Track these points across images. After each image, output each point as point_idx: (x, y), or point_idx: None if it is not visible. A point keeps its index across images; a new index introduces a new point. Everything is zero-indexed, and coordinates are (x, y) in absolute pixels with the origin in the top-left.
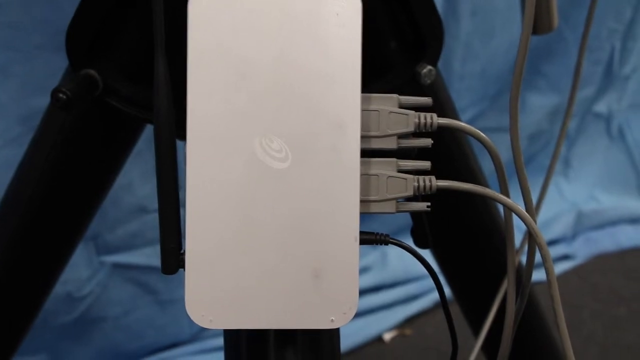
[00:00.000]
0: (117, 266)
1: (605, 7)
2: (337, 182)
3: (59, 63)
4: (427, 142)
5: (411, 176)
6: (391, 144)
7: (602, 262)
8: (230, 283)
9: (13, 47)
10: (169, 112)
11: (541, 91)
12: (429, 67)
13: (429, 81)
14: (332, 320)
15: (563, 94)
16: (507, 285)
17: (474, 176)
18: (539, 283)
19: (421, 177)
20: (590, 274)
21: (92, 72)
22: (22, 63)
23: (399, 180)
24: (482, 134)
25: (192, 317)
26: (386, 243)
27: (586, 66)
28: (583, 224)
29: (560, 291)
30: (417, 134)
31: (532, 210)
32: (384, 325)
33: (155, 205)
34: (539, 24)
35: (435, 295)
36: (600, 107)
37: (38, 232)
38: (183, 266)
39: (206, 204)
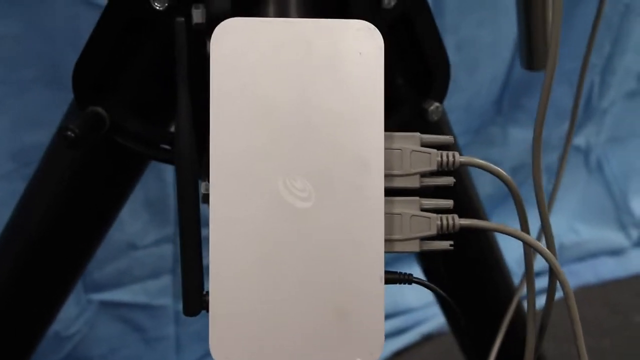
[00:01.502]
0: (105, 304)
1: (584, 42)
2: (362, 222)
3: (52, 97)
4: (450, 180)
5: (435, 215)
6: (414, 182)
7: (584, 295)
8: (254, 326)
9: (4, 81)
10: (192, 150)
11: (522, 124)
12: (436, 103)
13: (436, 118)
14: None
15: (544, 128)
16: (528, 326)
17: (475, 208)
18: None
19: (444, 216)
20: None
21: (99, 109)
22: (14, 97)
23: (423, 219)
24: (503, 172)
25: None
26: (410, 282)
27: (566, 100)
28: (564, 256)
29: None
30: (439, 172)
31: (553, 247)
32: None
33: (144, 241)
34: (537, 59)
35: (421, 329)
36: (579, 140)
37: (40, 268)
38: (205, 307)
39: (230, 244)
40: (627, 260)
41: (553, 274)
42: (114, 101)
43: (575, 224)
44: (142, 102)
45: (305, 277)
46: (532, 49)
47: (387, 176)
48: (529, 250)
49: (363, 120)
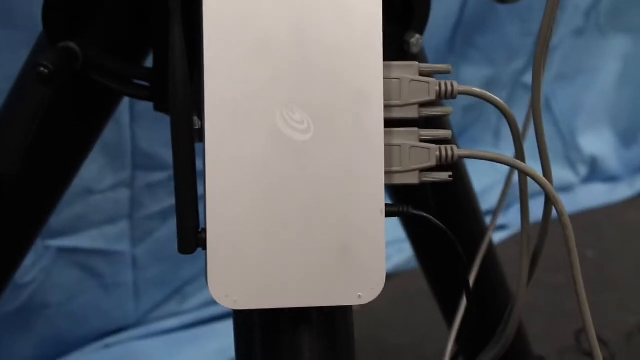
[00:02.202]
0: (62, 250)
1: None
2: (361, 154)
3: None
4: (448, 110)
5: (434, 146)
6: (413, 113)
7: (536, 231)
8: (254, 262)
9: None
10: (185, 85)
11: (475, 63)
12: (417, 35)
13: (416, 50)
14: (359, 296)
15: (496, 66)
16: (522, 256)
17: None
18: None
19: (443, 147)
20: None
21: (72, 44)
22: None
23: (422, 150)
24: (500, 100)
25: (215, 298)
26: (409, 215)
27: (517, 38)
28: (515, 194)
29: (500, 260)
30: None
31: (550, 176)
32: None
33: (101, 186)
34: None
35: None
36: (529, 78)
37: (9, 210)
38: (201, 245)
39: (227, 180)
40: (576, 196)
41: (549, 202)
42: (86, 36)
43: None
44: (115, 37)
45: (305, 211)
46: None
47: (386, 106)
48: (525, 179)
49: (361, 51)
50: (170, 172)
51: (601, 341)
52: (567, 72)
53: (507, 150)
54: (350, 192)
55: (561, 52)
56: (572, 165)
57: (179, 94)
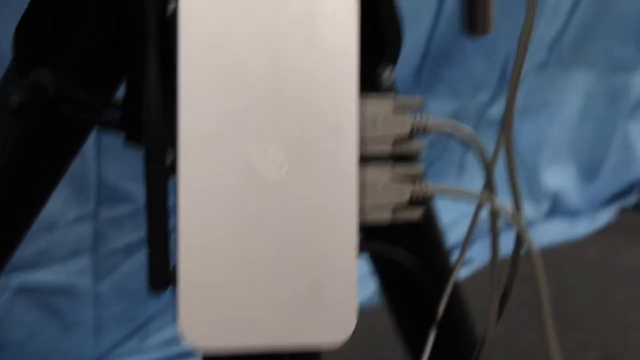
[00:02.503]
0: (23, 286)
1: (500, 12)
2: (335, 190)
3: None
4: (421, 145)
5: (407, 183)
6: (387, 147)
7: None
8: (226, 301)
9: None
10: (160, 113)
11: (440, 96)
12: (389, 67)
13: (389, 83)
14: (331, 336)
15: (461, 98)
16: (491, 291)
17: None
18: None
19: (417, 183)
20: (488, 279)
21: (43, 74)
22: None
23: (395, 187)
24: (475, 138)
25: (186, 339)
26: (381, 252)
27: (482, 71)
28: (479, 229)
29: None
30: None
31: (522, 210)
32: None
33: (65, 219)
34: (476, 25)
35: None
36: (494, 111)
37: None
38: (172, 283)
39: (199, 216)
40: (537, 232)
41: (520, 240)
42: (58, 66)
43: None
44: (87, 67)
45: (277, 248)
46: (472, 14)
47: (361, 141)
48: (495, 214)
49: (336, 84)
50: (135, 206)
51: None
52: (531, 106)
53: (472, 184)
54: (323, 228)
55: (525, 86)
56: (534, 200)
57: (153, 122)
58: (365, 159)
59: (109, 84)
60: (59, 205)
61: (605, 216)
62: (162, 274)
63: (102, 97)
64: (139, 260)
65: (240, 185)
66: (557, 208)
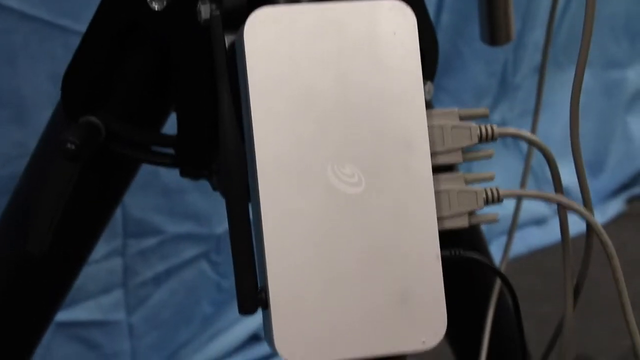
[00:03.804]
0: (60, 324)
1: None
2: (413, 202)
3: None
4: (490, 152)
5: (480, 188)
6: (457, 158)
7: (518, 265)
8: (318, 317)
9: None
10: (238, 147)
11: (445, 105)
12: (429, 82)
13: (429, 97)
14: (423, 342)
15: (465, 107)
16: (566, 291)
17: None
18: None
19: (488, 188)
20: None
21: (93, 119)
22: None
23: (469, 194)
24: (538, 140)
25: (283, 356)
26: (464, 259)
27: (483, 79)
28: (493, 230)
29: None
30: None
31: (591, 207)
32: None
33: (95, 256)
34: (498, 35)
35: None
36: (495, 116)
37: (34, 286)
38: (262, 305)
39: (284, 238)
40: (550, 227)
41: (591, 237)
42: (107, 109)
43: None
44: (135, 107)
45: (363, 263)
46: (493, 24)
47: (432, 154)
48: (564, 212)
49: (404, 100)
50: (161, 238)
51: None
52: (531, 108)
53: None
54: (405, 240)
55: (524, 89)
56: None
57: (233, 159)
58: (436, 170)
59: (157, 121)
60: None
61: (615, 207)
62: (251, 298)
63: (152, 135)
64: (168, 290)
65: (321, 205)
66: None
